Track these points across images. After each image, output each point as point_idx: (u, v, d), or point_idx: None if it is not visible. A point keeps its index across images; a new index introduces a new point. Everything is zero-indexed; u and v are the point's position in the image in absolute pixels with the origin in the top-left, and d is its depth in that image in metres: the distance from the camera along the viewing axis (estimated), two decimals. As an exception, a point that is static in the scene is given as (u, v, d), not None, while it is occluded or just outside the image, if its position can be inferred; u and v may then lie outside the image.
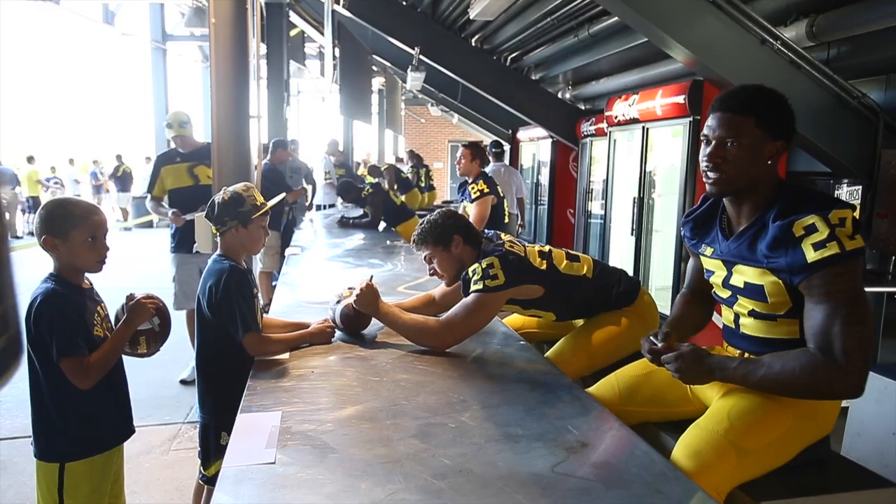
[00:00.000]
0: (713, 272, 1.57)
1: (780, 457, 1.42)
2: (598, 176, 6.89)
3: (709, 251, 1.57)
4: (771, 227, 1.38)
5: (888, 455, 2.23)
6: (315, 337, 1.97)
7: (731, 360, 1.42)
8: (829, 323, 1.31)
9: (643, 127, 5.20)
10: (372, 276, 2.05)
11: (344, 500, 1.08)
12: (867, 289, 4.03)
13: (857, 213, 1.40)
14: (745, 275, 1.45)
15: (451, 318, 1.93)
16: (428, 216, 2.18)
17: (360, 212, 5.79)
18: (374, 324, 2.08)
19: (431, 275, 2.19)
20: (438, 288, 2.34)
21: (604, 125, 6.06)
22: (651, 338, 1.56)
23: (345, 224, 5.47)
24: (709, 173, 1.45)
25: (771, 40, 3.68)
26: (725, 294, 1.54)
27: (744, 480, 1.38)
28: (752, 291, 1.45)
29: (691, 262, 1.78)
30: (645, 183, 5.27)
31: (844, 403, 2.56)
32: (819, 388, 1.33)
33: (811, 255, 1.31)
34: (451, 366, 1.78)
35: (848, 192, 3.91)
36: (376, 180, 6.21)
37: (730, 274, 1.50)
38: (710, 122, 1.44)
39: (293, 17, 6.86)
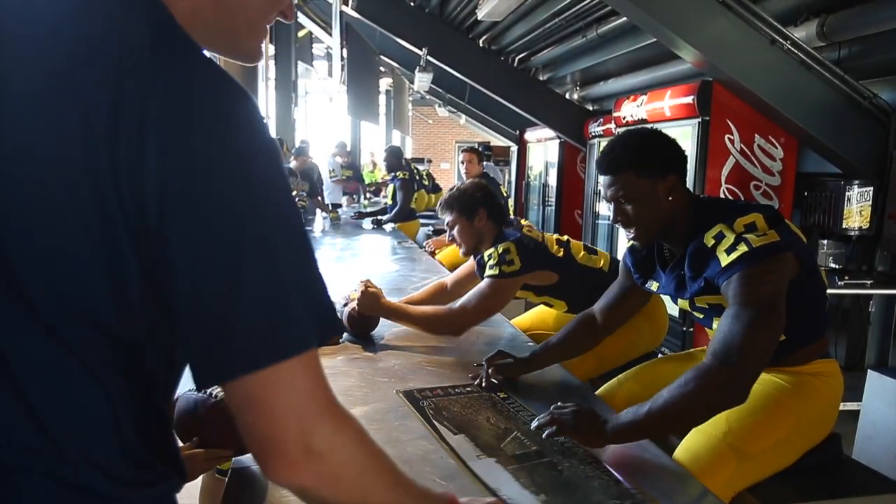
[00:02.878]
0: (675, 302, 1.57)
1: (782, 460, 1.39)
2: (606, 177, 6.86)
3: (655, 286, 1.56)
4: (688, 257, 1.40)
5: (900, 459, 2.21)
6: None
7: (622, 411, 1.28)
8: (731, 328, 1.23)
9: (651, 128, 5.17)
10: (367, 280, 2.04)
11: (352, 501, 1.07)
12: (877, 291, 3.98)
13: (760, 217, 1.34)
14: (703, 298, 1.44)
15: (465, 304, 1.96)
16: (458, 184, 2.21)
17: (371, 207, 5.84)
18: (383, 325, 2.08)
19: (449, 241, 2.21)
20: (450, 276, 2.39)
21: (612, 126, 6.03)
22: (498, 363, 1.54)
23: (376, 222, 5.47)
24: (625, 231, 1.48)
25: (781, 40, 3.65)
26: (700, 315, 1.52)
27: (746, 485, 1.36)
28: (718, 310, 1.43)
29: (620, 280, 1.69)
30: (653, 184, 5.24)
31: (855, 406, 2.54)
32: (706, 394, 1.20)
33: (724, 260, 1.30)
34: (459, 367, 1.77)
35: (859, 194, 3.87)
36: (409, 169, 6.23)
37: (691, 300, 1.48)
38: (601, 183, 1.48)
39: (301, 18, 6.88)
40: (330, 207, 6.41)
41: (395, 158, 6.00)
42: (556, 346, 1.66)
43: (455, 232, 2.14)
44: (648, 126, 1.53)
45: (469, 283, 2.25)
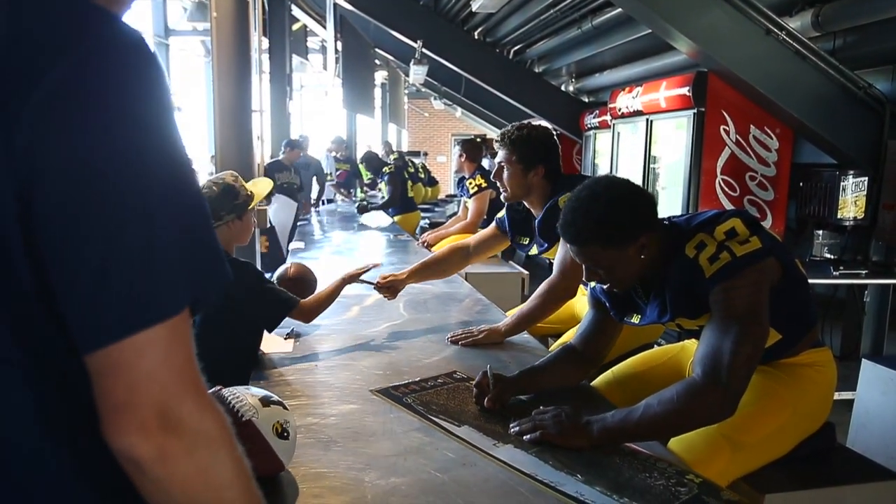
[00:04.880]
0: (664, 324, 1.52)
1: (776, 450, 1.40)
2: (602, 169, 6.87)
3: (636, 318, 1.50)
4: (669, 277, 1.35)
5: (894, 447, 2.22)
6: (353, 278, 2.02)
7: (608, 413, 1.28)
8: (718, 343, 1.23)
9: (647, 119, 5.18)
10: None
11: (347, 493, 1.08)
12: (872, 281, 3.98)
13: (739, 221, 1.32)
14: (693, 322, 1.40)
15: (561, 270, 1.95)
16: (528, 125, 2.04)
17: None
18: (373, 318, 2.07)
19: (494, 178, 2.08)
20: (473, 237, 2.37)
21: (607, 118, 6.04)
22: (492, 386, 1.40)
23: (363, 210, 5.58)
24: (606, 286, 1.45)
25: (776, 30, 3.65)
26: (693, 333, 1.49)
27: (740, 474, 1.36)
28: (694, 334, 1.42)
29: (592, 313, 1.60)
30: (649, 175, 5.25)
31: (849, 395, 2.55)
32: (697, 411, 1.22)
33: (708, 270, 1.27)
34: (454, 360, 1.78)
35: (854, 184, 3.88)
36: (396, 160, 6.37)
37: (678, 325, 1.46)
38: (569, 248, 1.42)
39: (295, 11, 6.84)
40: (323, 203, 6.44)
41: (374, 161, 6.33)
42: (542, 374, 1.53)
43: (504, 175, 2.00)
44: (612, 180, 1.40)
45: (494, 243, 2.24)
